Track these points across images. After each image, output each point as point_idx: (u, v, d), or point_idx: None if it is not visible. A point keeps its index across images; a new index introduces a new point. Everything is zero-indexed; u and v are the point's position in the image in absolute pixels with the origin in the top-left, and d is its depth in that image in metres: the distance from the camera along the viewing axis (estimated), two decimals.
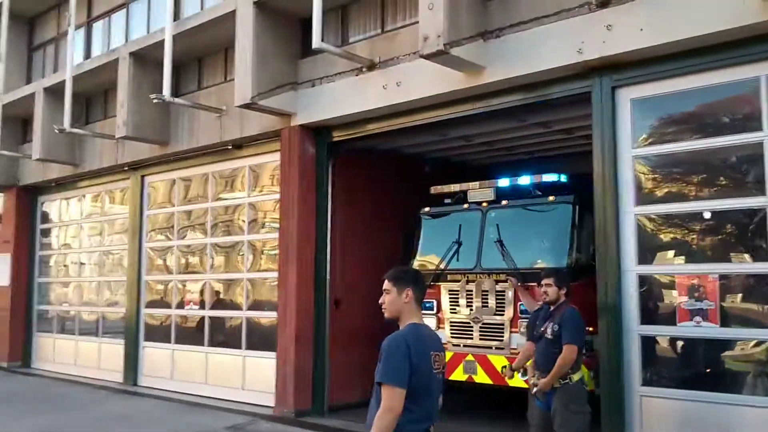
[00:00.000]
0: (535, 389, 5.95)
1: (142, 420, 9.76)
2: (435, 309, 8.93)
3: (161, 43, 10.80)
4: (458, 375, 8.50)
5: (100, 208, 14.80)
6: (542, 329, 6.02)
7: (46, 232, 16.39)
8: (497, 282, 8.42)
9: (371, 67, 9.04)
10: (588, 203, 7.58)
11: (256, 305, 11.00)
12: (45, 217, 16.39)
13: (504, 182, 8.99)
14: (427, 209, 9.64)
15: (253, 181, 11.27)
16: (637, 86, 7.15)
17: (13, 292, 15.89)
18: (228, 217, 11.82)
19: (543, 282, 6.17)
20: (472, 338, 8.60)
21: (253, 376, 10.65)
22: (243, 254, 11.26)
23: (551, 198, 8.39)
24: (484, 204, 8.94)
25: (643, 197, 7.11)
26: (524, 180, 8.84)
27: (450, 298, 8.85)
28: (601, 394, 7.03)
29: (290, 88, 9.84)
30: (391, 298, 3.55)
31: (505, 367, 7.96)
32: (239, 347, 11.02)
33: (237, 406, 10.26)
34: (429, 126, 9.13)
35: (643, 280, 7.01)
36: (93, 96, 14.19)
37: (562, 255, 8.11)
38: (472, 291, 8.63)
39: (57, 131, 12.64)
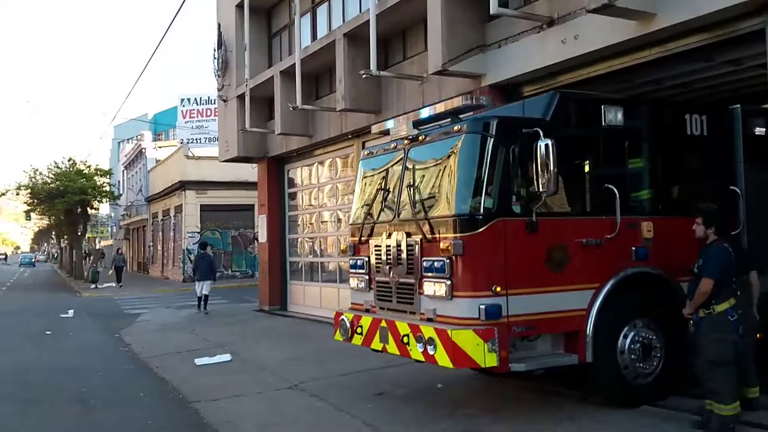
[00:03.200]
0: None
1: (359, 353, 11.37)
2: (365, 269, 7.80)
3: (368, 22, 12.12)
4: (376, 344, 7.39)
5: (333, 172, 16.81)
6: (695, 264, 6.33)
7: (292, 195, 18.96)
8: (409, 235, 7.04)
9: (550, 23, 9.49)
10: (515, 130, 6.57)
11: None
12: (291, 183, 18.96)
13: (425, 112, 7.73)
14: (365, 151, 8.57)
15: None
16: None
17: (270, 248, 18.78)
18: None
19: (694, 221, 6.42)
20: (391, 301, 7.36)
21: None
22: None
23: (456, 128, 6.84)
24: (406, 141, 7.50)
25: None
26: (441, 107, 7.49)
27: (375, 255, 7.60)
28: None
29: (479, 51, 10.60)
30: None
31: (407, 335, 6.75)
32: None
33: None
34: (614, 74, 9.39)
35: None
36: (320, 74, 16.09)
37: (464, 198, 6.55)
38: (390, 247, 7.34)
39: (291, 108, 14.70)
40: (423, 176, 7.17)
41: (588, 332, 6.65)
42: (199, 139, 46.90)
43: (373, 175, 8.15)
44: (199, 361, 11.19)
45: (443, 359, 6.27)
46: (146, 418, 7.90)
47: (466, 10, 10.62)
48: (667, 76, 9.89)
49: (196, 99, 49.32)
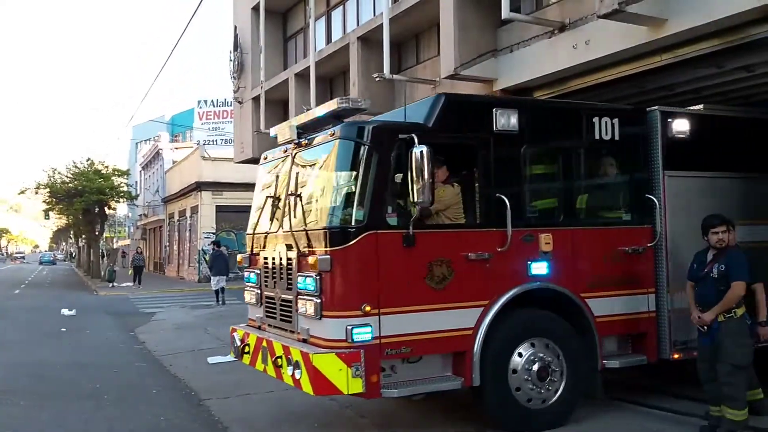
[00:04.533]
0: (696, 322, 6.35)
1: None
2: (257, 282, 7.34)
3: (382, 25, 12.25)
4: (259, 364, 6.92)
5: None
6: (705, 270, 6.34)
7: None
8: (289, 248, 6.53)
9: (562, 28, 9.58)
10: (391, 136, 6.02)
11: None
12: None
13: (309, 115, 7.02)
14: (263, 156, 8.01)
15: None
16: None
17: None
18: None
19: (719, 229, 6.39)
20: (276, 318, 6.90)
21: None
22: None
23: (330, 133, 6.31)
24: (293, 147, 6.98)
25: None
26: (321, 110, 6.78)
27: (264, 268, 7.15)
28: None
29: (491, 55, 10.70)
30: None
31: (280, 356, 6.29)
32: None
33: None
34: (625, 79, 9.44)
35: None
36: (334, 77, 16.28)
37: (335, 209, 6.17)
38: (275, 260, 6.87)
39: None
40: (304, 185, 6.70)
41: (475, 354, 6.15)
42: (216, 140, 47.34)
43: (267, 182, 7.59)
44: (211, 360, 11.34)
45: (306, 385, 5.83)
46: (158, 415, 8.04)
47: (478, 14, 10.73)
48: (678, 83, 9.89)
49: (212, 101, 49.82)
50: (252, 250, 7.55)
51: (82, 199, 37.34)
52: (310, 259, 6.02)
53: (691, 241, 6.77)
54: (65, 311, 20.34)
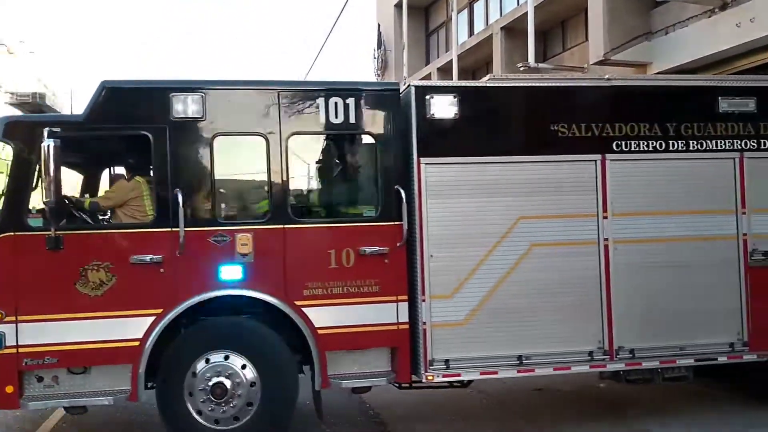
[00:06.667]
0: None
1: None
2: None
3: (526, 14, 12.03)
4: None
5: None
6: None
7: None
8: None
9: (723, 6, 9.02)
10: (31, 132, 5.64)
11: None
12: None
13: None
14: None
15: None
16: None
17: None
18: None
19: None
20: None
21: None
22: None
23: None
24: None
25: None
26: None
27: None
28: None
29: (644, 39, 10.24)
30: None
31: None
32: None
33: None
34: None
35: None
36: (477, 69, 16.21)
37: None
38: None
39: None
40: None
41: (140, 367, 5.65)
42: None
43: None
44: None
45: None
46: (305, 399, 8.37)
47: None
48: None
49: None
50: None
51: None
52: None
53: (458, 241, 5.86)
54: None
